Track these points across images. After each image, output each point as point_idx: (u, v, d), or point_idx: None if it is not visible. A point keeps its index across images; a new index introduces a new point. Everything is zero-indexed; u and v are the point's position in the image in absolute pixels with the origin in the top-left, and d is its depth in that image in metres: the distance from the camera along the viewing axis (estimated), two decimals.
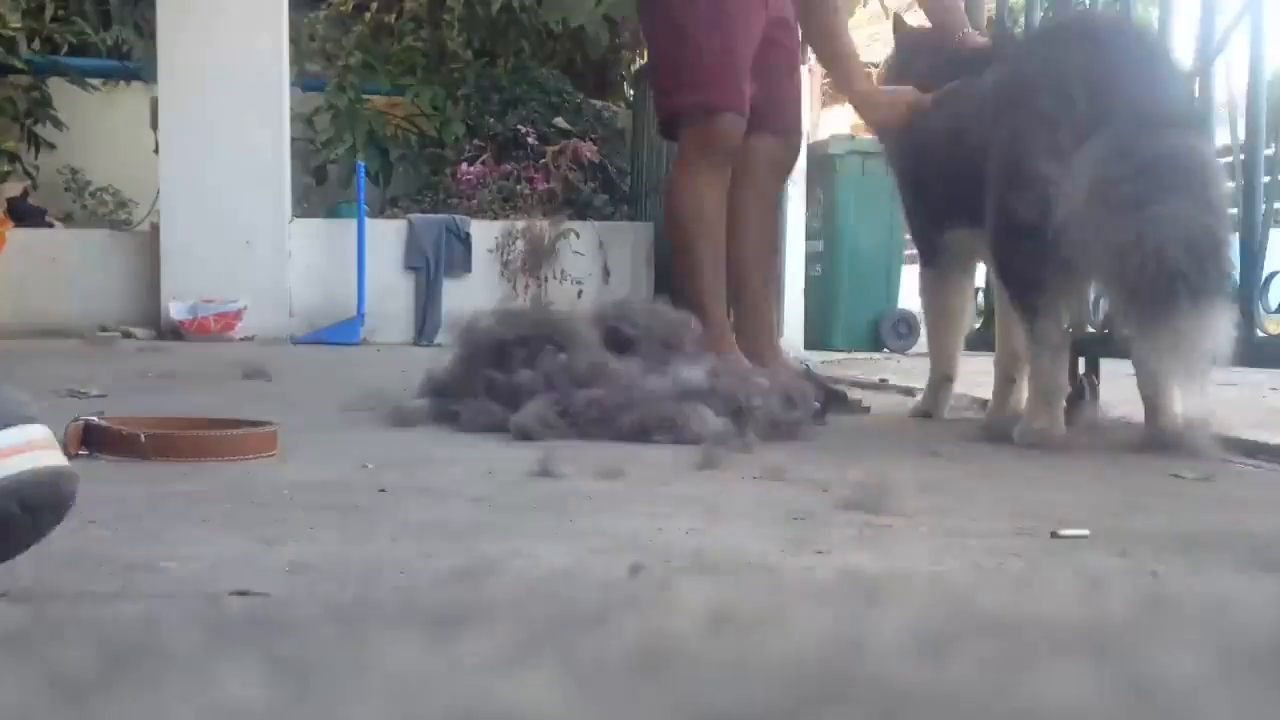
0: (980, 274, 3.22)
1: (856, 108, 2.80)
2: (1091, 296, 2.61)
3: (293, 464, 1.71)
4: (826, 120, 10.03)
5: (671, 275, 3.09)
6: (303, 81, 7.35)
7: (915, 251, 2.85)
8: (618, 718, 0.28)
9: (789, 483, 1.66)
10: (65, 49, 8.01)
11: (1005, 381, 2.50)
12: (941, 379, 2.77)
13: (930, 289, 2.75)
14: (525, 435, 2.07)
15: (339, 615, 0.36)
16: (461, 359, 2.38)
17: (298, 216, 6.72)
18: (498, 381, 2.25)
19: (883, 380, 3.99)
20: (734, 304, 3.02)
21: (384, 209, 7.30)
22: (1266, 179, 2.32)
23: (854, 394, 3.09)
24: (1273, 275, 2.30)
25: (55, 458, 0.94)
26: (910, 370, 4.76)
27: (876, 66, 3.19)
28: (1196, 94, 2.42)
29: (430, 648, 0.32)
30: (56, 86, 7.88)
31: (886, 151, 2.86)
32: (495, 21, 7.74)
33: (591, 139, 7.34)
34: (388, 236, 6.64)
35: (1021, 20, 3.00)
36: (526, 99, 7.47)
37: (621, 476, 1.65)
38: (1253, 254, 2.30)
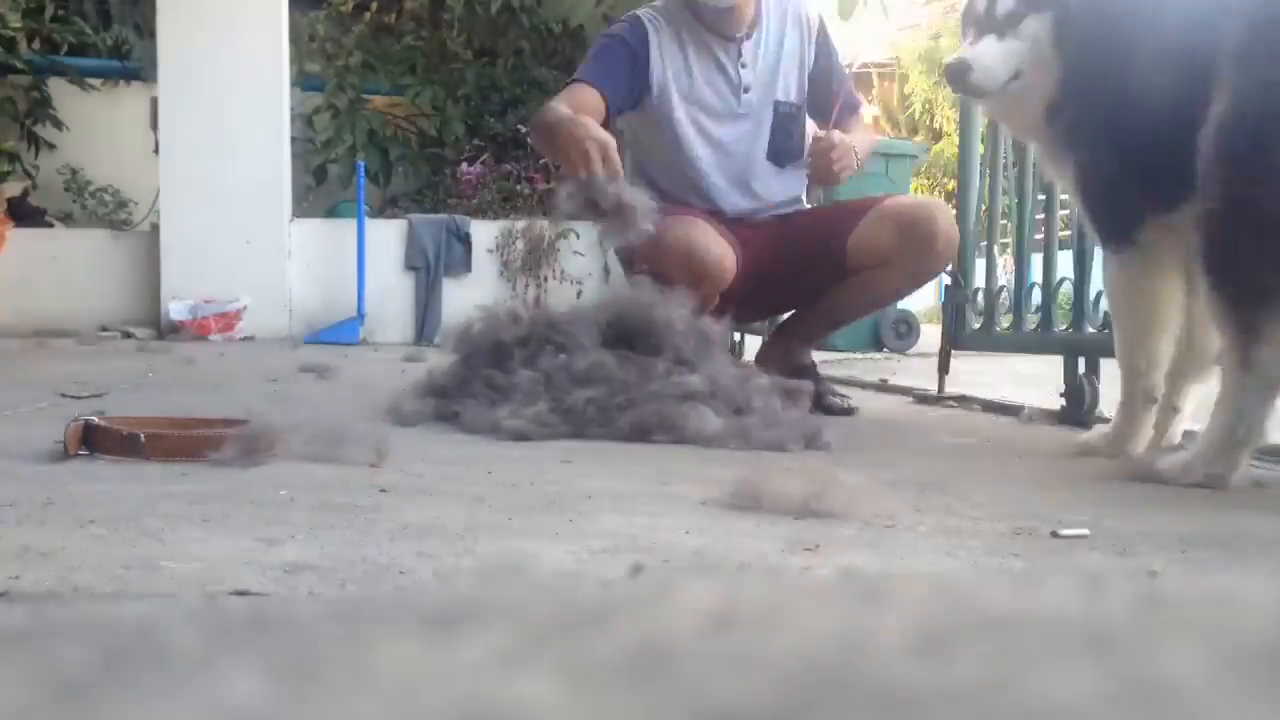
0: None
1: None
2: (1092, 296, 2.61)
3: (292, 464, 1.71)
4: None
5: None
6: (303, 81, 7.35)
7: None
8: (618, 718, 0.28)
9: (790, 484, 1.66)
10: (65, 49, 8.02)
11: (1149, 404, 2.06)
12: (1142, 399, 2.08)
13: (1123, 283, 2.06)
14: (524, 436, 2.07)
15: (339, 615, 0.36)
16: (461, 360, 2.38)
17: (298, 216, 6.72)
18: (497, 381, 2.25)
19: (883, 380, 4.00)
20: None
21: (384, 209, 7.31)
22: None
23: (855, 394, 3.10)
24: None
25: None
26: (910, 370, 4.77)
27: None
28: None
29: (430, 648, 0.31)
30: (56, 86, 7.89)
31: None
32: (495, 21, 7.74)
33: None
34: (388, 236, 6.65)
35: None
36: (527, 99, 7.48)
37: (621, 476, 1.65)
38: None
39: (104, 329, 6.15)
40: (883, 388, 3.83)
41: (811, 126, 3.08)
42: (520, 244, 6.71)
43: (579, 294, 6.54)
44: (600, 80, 2.82)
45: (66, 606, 0.90)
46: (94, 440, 1.69)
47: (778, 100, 3.02)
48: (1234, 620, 0.35)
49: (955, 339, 3.33)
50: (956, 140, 3.72)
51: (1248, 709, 0.28)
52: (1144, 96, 1.86)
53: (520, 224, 6.73)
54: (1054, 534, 1.30)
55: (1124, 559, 1.19)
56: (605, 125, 2.65)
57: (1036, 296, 3.01)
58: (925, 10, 19.32)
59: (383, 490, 1.49)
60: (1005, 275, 3.35)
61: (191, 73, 6.31)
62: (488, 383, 2.26)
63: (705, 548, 1.18)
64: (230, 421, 1.93)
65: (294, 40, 6.93)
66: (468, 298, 5.99)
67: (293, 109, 6.83)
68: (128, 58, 7.85)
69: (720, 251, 2.76)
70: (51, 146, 7.87)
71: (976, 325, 3.26)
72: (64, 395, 2.65)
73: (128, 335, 6.02)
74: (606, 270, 6.82)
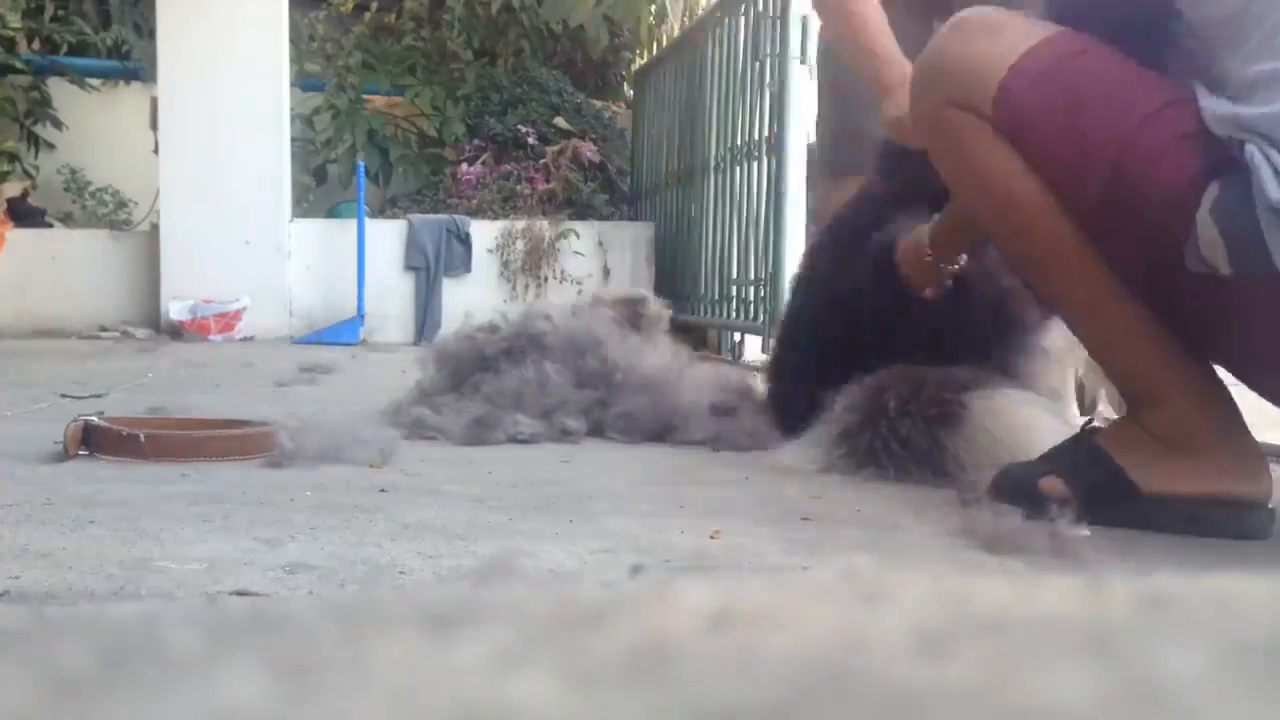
0: None
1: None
2: None
3: (293, 464, 1.71)
4: None
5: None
6: (303, 81, 7.35)
7: None
8: (618, 718, 0.28)
9: (788, 483, 1.66)
10: (65, 49, 8.01)
11: None
12: None
13: None
14: (523, 438, 2.06)
15: (339, 615, 0.36)
16: (452, 365, 2.35)
17: (298, 216, 6.72)
18: (491, 386, 2.23)
19: None
20: None
21: (384, 209, 7.31)
22: None
23: None
24: None
25: None
26: None
27: None
28: None
29: (430, 648, 0.31)
30: (56, 86, 7.88)
31: None
32: (495, 21, 7.74)
33: (591, 139, 7.34)
34: (388, 236, 6.64)
35: None
36: (526, 99, 7.47)
37: (621, 477, 1.65)
38: None
39: (103, 329, 6.15)
40: None
41: None
42: (520, 244, 6.70)
43: (579, 294, 6.54)
44: None
45: (66, 606, 0.90)
46: (94, 440, 1.69)
47: None
48: (1234, 620, 0.35)
49: None
50: None
51: (1247, 709, 0.28)
52: None
53: (520, 224, 6.72)
54: (1053, 535, 1.30)
55: (1124, 559, 1.19)
56: None
57: None
58: None
59: (383, 491, 1.49)
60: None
61: (191, 73, 6.31)
62: (479, 388, 2.23)
63: (704, 547, 1.18)
64: (231, 422, 1.93)
65: (294, 40, 6.92)
66: (468, 298, 5.99)
67: (293, 109, 6.83)
68: (128, 58, 7.84)
69: None
70: (51, 146, 7.85)
71: None
72: (64, 395, 2.65)
73: (127, 335, 6.02)
74: (606, 271, 6.82)
